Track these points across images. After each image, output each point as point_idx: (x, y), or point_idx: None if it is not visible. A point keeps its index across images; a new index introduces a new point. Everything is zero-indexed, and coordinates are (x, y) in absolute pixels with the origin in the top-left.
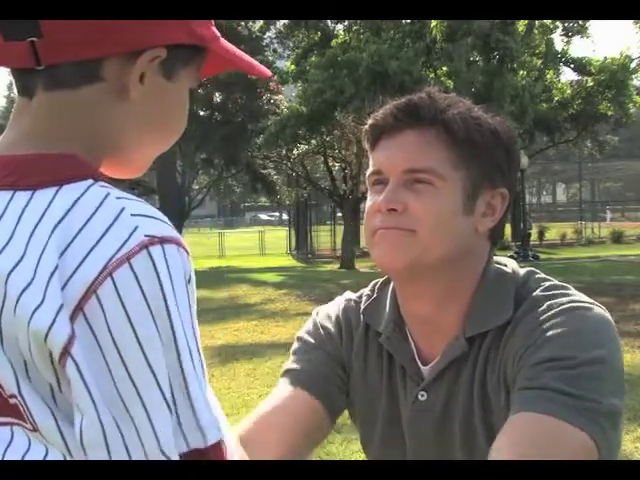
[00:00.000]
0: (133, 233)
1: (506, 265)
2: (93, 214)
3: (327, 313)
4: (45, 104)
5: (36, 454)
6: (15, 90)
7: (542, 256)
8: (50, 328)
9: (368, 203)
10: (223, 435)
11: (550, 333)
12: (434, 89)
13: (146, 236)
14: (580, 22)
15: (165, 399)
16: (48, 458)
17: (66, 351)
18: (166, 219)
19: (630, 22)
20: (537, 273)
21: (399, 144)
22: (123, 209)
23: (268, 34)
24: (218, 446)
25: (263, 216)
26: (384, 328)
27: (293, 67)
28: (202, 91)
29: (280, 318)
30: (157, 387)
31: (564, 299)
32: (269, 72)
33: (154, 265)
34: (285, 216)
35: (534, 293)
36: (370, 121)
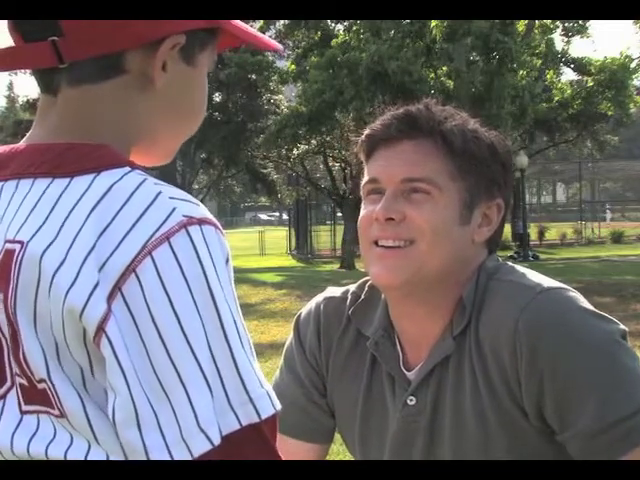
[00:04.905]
0: (171, 214)
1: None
2: (130, 197)
3: (306, 317)
4: (71, 100)
5: (60, 443)
6: (15, 90)
7: (542, 256)
8: (85, 305)
9: (363, 212)
10: (277, 408)
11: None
12: (431, 101)
13: (184, 216)
14: (580, 22)
15: (205, 377)
16: (72, 447)
17: (101, 328)
18: (202, 205)
19: (630, 22)
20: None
21: (397, 154)
22: (160, 192)
23: (268, 34)
24: (273, 420)
25: (263, 216)
26: (373, 332)
27: (293, 67)
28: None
29: (280, 318)
30: (197, 365)
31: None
32: (280, 46)
33: (193, 244)
34: (285, 216)
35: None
36: (366, 131)
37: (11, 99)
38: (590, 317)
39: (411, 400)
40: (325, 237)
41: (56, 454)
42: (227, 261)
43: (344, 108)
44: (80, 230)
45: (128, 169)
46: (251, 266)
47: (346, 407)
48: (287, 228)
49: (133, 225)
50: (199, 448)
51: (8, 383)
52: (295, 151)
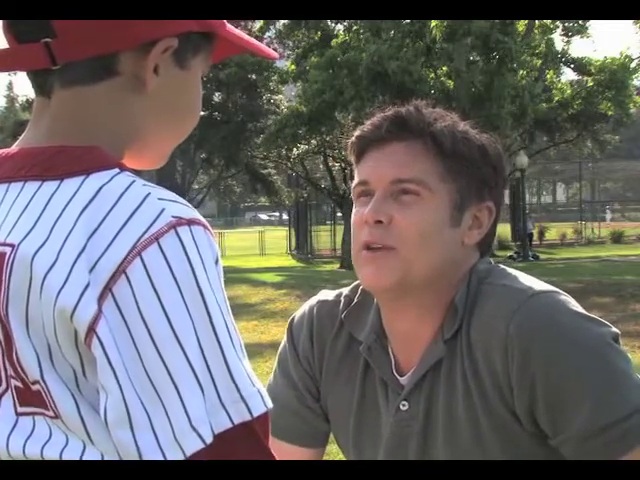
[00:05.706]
0: (160, 214)
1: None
2: (119, 198)
3: (300, 321)
4: (64, 101)
5: (56, 444)
6: (15, 90)
7: (542, 256)
8: (76, 306)
9: (354, 215)
10: (269, 406)
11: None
12: (421, 102)
13: (173, 217)
14: (580, 22)
15: (196, 376)
16: (67, 447)
17: (92, 329)
18: (191, 206)
19: (630, 22)
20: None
21: (386, 155)
22: (149, 194)
23: (268, 34)
24: (265, 418)
25: (263, 216)
26: (365, 337)
27: (293, 67)
28: (202, 91)
29: (280, 318)
30: (187, 364)
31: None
32: (276, 54)
33: (182, 244)
34: (285, 216)
35: (494, 281)
36: (356, 133)
37: (10, 99)
38: (582, 320)
39: (404, 405)
40: (325, 237)
41: (51, 455)
42: (216, 261)
43: (344, 108)
44: (70, 232)
45: (117, 171)
46: (251, 266)
47: (340, 411)
48: (287, 228)
49: (122, 226)
50: (191, 447)
51: (3, 385)
52: (295, 151)
